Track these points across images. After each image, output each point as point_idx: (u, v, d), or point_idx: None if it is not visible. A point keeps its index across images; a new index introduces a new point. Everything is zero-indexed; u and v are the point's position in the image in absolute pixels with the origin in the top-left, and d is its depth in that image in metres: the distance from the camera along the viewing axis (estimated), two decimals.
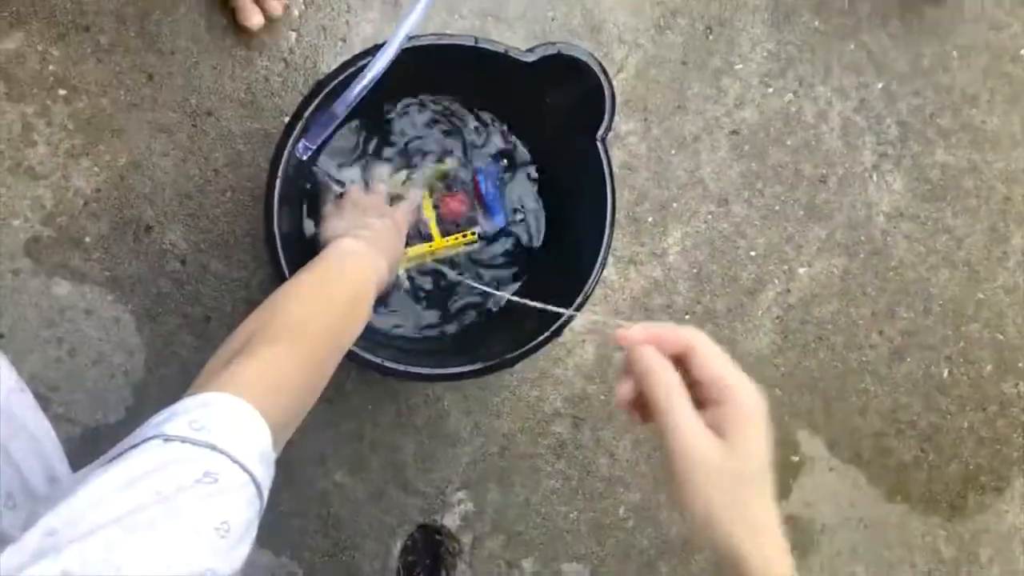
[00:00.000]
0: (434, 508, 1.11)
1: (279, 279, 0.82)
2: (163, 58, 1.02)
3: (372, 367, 0.84)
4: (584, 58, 0.86)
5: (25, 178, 1.00)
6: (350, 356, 0.82)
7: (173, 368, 1.04)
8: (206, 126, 1.04)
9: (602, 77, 0.87)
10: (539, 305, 0.68)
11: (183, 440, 0.48)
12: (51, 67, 1.00)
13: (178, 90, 1.03)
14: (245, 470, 0.49)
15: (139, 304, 1.03)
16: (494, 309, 1.02)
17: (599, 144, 0.88)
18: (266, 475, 0.52)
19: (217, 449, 0.48)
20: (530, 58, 0.86)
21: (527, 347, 0.86)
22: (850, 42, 1.22)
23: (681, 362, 0.53)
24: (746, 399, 0.51)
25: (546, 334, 0.86)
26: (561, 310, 0.70)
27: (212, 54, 1.03)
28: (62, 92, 1.00)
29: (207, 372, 0.62)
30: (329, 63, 1.06)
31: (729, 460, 0.50)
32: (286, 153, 0.84)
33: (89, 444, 1.02)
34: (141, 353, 1.03)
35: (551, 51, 0.86)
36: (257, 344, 0.63)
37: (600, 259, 0.89)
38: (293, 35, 1.06)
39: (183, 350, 1.04)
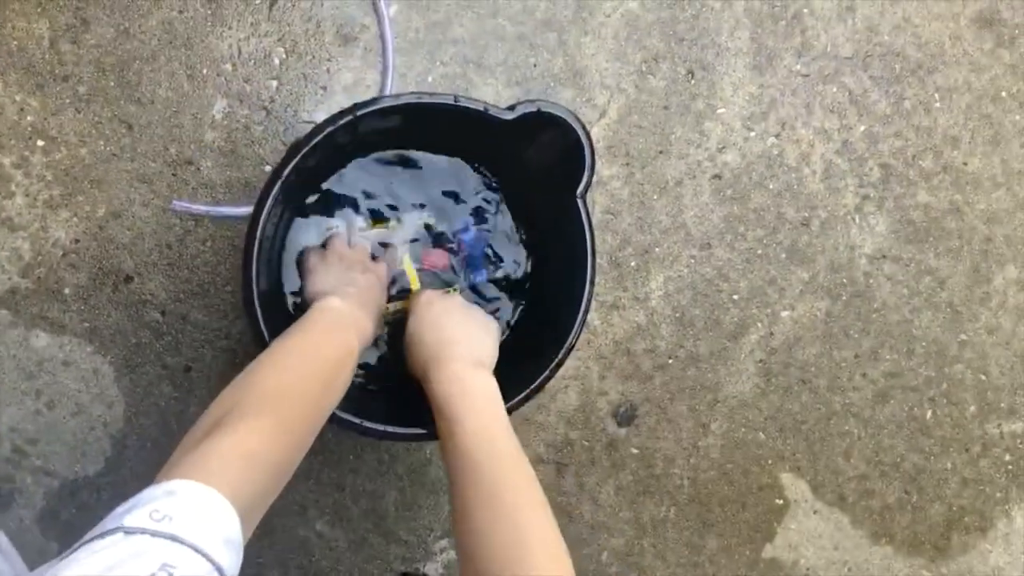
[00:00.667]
0: (416, 556, 1.10)
1: (259, 344, 0.82)
2: (143, 107, 1.02)
3: (351, 427, 0.83)
4: (564, 116, 0.86)
5: (3, 229, 0.99)
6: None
7: (153, 419, 1.03)
8: (186, 175, 1.03)
9: (582, 135, 0.86)
10: None
11: (143, 532, 0.47)
12: (29, 117, 1.00)
13: (158, 140, 1.03)
14: (209, 559, 0.48)
15: (118, 355, 1.02)
16: None
17: (579, 201, 0.88)
18: (234, 562, 0.52)
19: (179, 540, 0.48)
20: (509, 116, 0.86)
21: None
22: (832, 85, 1.22)
23: None
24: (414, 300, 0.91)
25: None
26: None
27: (192, 103, 1.03)
28: (40, 143, 1.00)
29: (181, 450, 0.62)
30: (310, 111, 1.06)
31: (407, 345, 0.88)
32: (265, 210, 0.83)
33: (68, 497, 1.02)
34: (120, 404, 1.02)
35: (531, 108, 0.86)
36: (231, 421, 0.62)
37: (580, 316, 0.89)
38: (274, 83, 1.05)
39: (163, 401, 1.03)
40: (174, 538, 0.48)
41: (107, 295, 1.02)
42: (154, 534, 0.47)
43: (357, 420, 0.83)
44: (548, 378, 0.88)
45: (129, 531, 0.47)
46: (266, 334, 0.81)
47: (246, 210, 1.03)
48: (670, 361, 1.18)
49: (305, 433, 0.71)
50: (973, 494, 1.29)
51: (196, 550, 0.48)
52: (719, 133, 1.19)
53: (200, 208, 1.02)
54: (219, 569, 0.49)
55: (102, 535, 0.47)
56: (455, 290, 1.00)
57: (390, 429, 0.84)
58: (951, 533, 1.28)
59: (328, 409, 0.77)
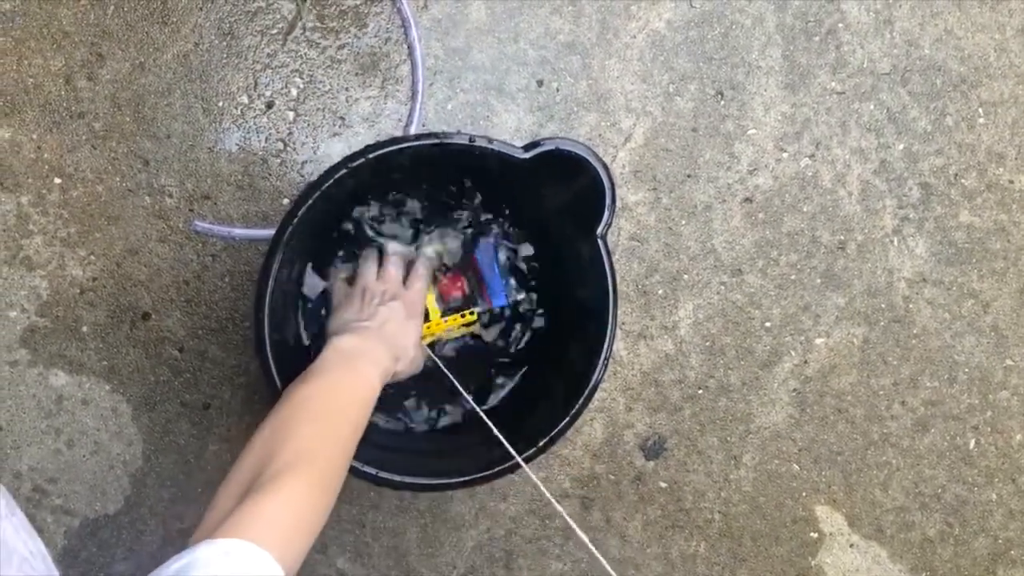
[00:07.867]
0: None
1: (271, 388, 0.80)
2: (159, 143, 1.01)
3: (365, 478, 0.81)
4: (583, 154, 0.83)
5: (21, 268, 0.99)
6: None
7: (172, 457, 1.02)
8: (203, 210, 1.02)
9: (602, 173, 0.84)
10: (498, 435, 0.66)
11: None
12: (46, 155, 0.99)
13: (174, 174, 1.01)
14: None
15: (137, 393, 1.01)
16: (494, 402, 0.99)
17: (600, 241, 0.85)
18: None
19: None
20: (526, 155, 0.83)
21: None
22: (869, 102, 1.17)
23: None
24: None
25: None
26: (514, 454, 0.66)
27: (208, 137, 1.02)
28: (57, 180, 0.99)
29: (223, 500, 0.63)
30: (328, 142, 1.04)
31: None
32: (277, 260, 0.81)
33: (88, 536, 1.01)
34: (139, 443, 1.02)
35: (548, 147, 0.83)
36: (273, 477, 0.63)
37: (602, 360, 0.86)
38: (291, 114, 1.04)
39: (181, 438, 1.02)
40: None
41: (125, 333, 1.01)
42: None
43: (372, 471, 0.81)
44: (568, 425, 0.85)
45: None
46: (278, 380, 0.80)
47: (267, 232, 1.01)
48: (700, 392, 1.14)
49: (338, 485, 0.72)
50: (1020, 526, 1.24)
51: None
52: (750, 155, 1.15)
53: (221, 229, 1.01)
54: None
55: None
56: (472, 315, 0.98)
57: (408, 480, 0.82)
58: (996, 567, 1.23)
59: (353, 452, 0.76)
